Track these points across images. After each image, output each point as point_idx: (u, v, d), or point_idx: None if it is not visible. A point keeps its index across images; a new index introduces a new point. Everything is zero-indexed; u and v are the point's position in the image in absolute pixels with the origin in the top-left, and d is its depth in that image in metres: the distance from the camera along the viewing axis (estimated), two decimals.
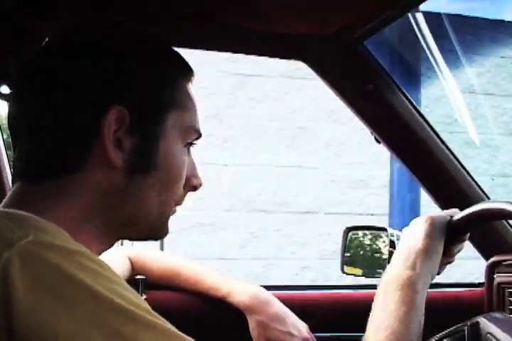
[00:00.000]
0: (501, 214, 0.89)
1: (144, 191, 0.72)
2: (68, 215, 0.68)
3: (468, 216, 0.91)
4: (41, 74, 0.71)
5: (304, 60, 1.21)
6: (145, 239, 0.78)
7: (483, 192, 1.27)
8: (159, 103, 0.72)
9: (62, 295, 0.53)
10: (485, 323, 0.99)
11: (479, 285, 1.41)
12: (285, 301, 1.16)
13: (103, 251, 0.74)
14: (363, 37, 1.14)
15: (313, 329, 1.17)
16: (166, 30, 1.13)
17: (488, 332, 0.97)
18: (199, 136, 0.77)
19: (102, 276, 0.57)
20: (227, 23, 1.11)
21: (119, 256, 1.21)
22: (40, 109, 0.70)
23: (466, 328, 1.00)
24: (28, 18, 1.00)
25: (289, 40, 1.15)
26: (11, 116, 0.73)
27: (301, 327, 1.13)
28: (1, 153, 1.32)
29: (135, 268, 1.23)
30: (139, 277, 1.25)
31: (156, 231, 0.77)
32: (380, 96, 1.21)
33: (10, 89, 1.10)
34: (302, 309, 1.24)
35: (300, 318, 1.16)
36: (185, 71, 0.77)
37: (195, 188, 0.79)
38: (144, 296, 1.25)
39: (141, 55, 0.72)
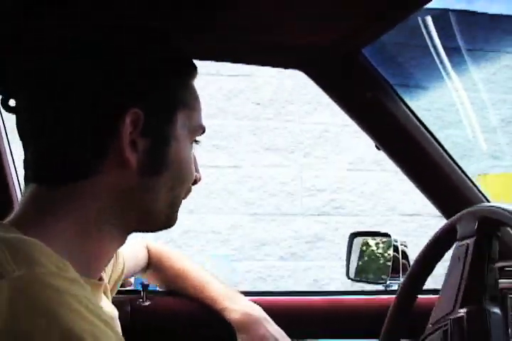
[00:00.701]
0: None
1: (156, 188, 0.74)
2: (85, 217, 0.70)
3: None
4: (55, 76, 0.71)
5: (303, 70, 1.22)
6: (156, 231, 0.80)
7: (482, 195, 1.26)
8: (171, 104, 0.74)
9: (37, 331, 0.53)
10: None
11: None
12: (276, 307, 1.16)
13: (118, 247, 0.77)
14: (360, 46, 1.15)
15: (310, 335, 1.18)
16: None
17: None
18: (203, 132, 0.80)
19: (85, 318, 0.56)
20: (227, 34, 1.12)
21: (140, 247, 1.25)
22: (53, 112, 0.70)
23: (449, 322, 0.93)
24: (28, 18, 1.02)
25: (288, 50, 1.16)
26: (21, 119, 0.74)
27: None
28: (6, 155, 1.33)
29: (150, 262, 1.26)
30: (143, 283, 1.27)
31: (166, 223, 0.79)
32: (379, 104, 1.21)
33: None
34: (299, 315, 1.26)
35: (296, 324, 1.17)
36: (191, 69, 0.79)
37: (195, 182, 0.82)
38: (148, 302, 1.28)
39: (153, 56, 0.74)
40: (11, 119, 0.82)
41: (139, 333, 1.23)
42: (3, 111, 1.09)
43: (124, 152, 0.69)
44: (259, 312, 1.15)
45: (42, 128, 0.71)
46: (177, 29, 1.09)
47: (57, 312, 0.54)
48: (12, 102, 1.12)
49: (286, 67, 1.22)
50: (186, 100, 0.76)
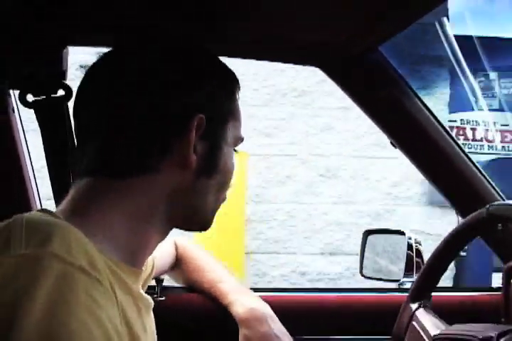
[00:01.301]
0: None
1: (205, 190, 0.80)
2: (136, 212, 0.75)
3: None
4: (130, 77, 0.76)
5: (320, 67, 1.22)
6: (195, 231, 0.86)
7: (498, 193, 1.26)
8: (225, 113, 0.81)
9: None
10: None
11: (497, 289, 1.40)
12: (287, 304, 1.16)
13: (161, 241, 0.82)
14: (376, 43, 1.15)
15: (321, 332, 1.18)
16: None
17: None
18: (241, 141, 0.87)
19: (76, 312, 0.57)
20: (245, 32, 1.13)
21: (169, 245, 1.27)
22: (123, 112, 0.75)
23: None
24: (28, 19, 1.03)
25: (304, 48, 1.16)
26: (83, 113, 0.78)
27: None
28: (23, 150, 1.33)
29: (177, 259, 1.28)
30: (157, 278, 1.28)
31: (206, 224, 0.85)
32: (395, 101, 1.22)
33: (34, 96, 1.14)
34: (309, 312, 1.26)
35: (307, 321, 1.16)
36: (237, 82, 0.85)
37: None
38: (162, 297, 1.28)
39: (210, 68, 0.81)
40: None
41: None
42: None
43: (188, 153, 0.75)
44: (264, 309, 1.15)
45: (112, 123, 0.75)
46: (191, 27, 1.10)
47: (52, 297, 0.56)
48: (30, 97, 1.15)
49: (304, 64, 1.23)
50: (234, 111, 0.83)
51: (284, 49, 1.17)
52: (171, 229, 0.81)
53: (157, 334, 0.82)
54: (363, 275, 1.56)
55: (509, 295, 1.27)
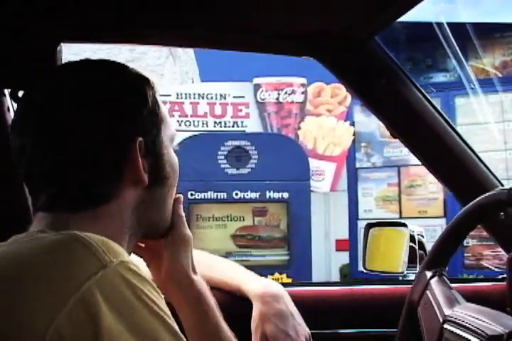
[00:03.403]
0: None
1: (163, 197, 0.87)
2: (107, 234, 0.76)
3: None
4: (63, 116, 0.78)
5: (316, 58, 1.22)
6: (160, 237, 0.92)
7: (498, 180, 1.26)
8: (156, 124, 0.84)
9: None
10: None
11: (501, 279, 1.39)
12: (292, 298, 1.14)
13: (130, 253, 0.85)
14: (373, 33, 1.15)
15: (328, 325, 1.16)
16: (175, 31, 1.15)
17: None
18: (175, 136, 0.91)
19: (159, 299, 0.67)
20: (240, 24, 1.12)
21: None
22: (71, 150, 0.78)
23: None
24: (28, 18, 1.02)
25: (300, 38, 1.16)
26: (25, 152, 0.79)
27: (300, 331, 1.10)
28: None
29: None
30: None
31: (167, 228, 0.91)
32: (393, 90, 1.21)
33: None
34: (316, 306, 1.24)
35: (314, 315, 1.15)
36: (155, 87, 0.87)
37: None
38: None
39: (134, 90, 0.83)
40: None
41: None
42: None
43: (138, 174, 0.80)
44: (280, 288, 1.13)
45: (61, 163, 0.78)
46: (187, 19, 1.10)
47: (146, 295, 0.65)
48: (21, 93, 1.13)
49: (299, 55, 1.22)
50: (162, 116, 0.86)
51: (281, 40, 1.17)
52: (136, 241, 0.87)
53: None
54: (366, 269, 1.56)
55: None
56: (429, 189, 5.68)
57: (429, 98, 1.22)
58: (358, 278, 5.38)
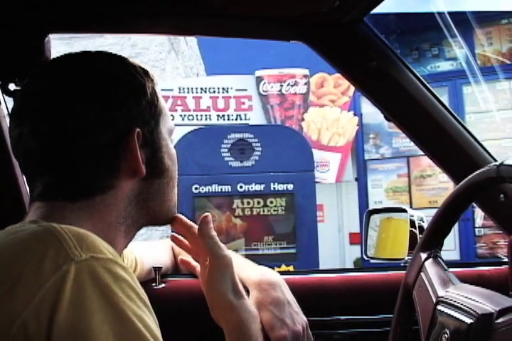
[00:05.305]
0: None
1: (162, 189, 0.87)
2: (104, 224, 0.80)
3: None
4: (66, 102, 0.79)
5: (305, 42, 1.20)
6: (161, 225, 0.95)
7: (491, 156, 1.23)
8: (154, 116, 0.85)
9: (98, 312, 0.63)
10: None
11: (503, 263, 1.37)
12: (290, 286, 1.13)
13: (128, 243, 0.88)
14: (361, 14, 1.13)
15: (327, 312, 1.15)
16: (164, 18, 1.15)
17: None
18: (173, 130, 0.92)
19: (134, 302, 0.66)
20: (228, 8, 1.11)
21: (166, 247, 1.28)
22: (69, 141, 0.78)
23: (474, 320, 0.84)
24: (14, 9, 1.02)
25: (289, 22, 1.15)
26: (23, 141, 0.80)
27: (297, 319, 1.07)
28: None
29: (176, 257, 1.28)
30: (155, 266, 1.26)
31: (172, 218, 0.93)
32: (384, 72, 1.19)
33: (16, 85, 1.12)
34: (315, 293, 1.23)
35: (313, 302, 1.14)
36: (154, 79, 0.88)
37: None
38: (162, 285, 1.26)
39: (133, 81, 0.84)
40: None
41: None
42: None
43: (136, 165, 0.81)
44: (277, 276, 1.11)
45: (58, 152, 0.79)
46: (179, 3, 1.09)
47: (114, 294, 0.64)
48: (12, 86, 1.13)
49: (288, 40, 1.21)
50: (162, 108, 0.87)
51: (269, 24, 1.15)
52: (136, 231, 0.88)
53: (160, 321, 0.80)
54: (367, 257, 1.54)
55: None
56: (439, 179, 5.64)
57: (421, 78, 1.20)
58: None
